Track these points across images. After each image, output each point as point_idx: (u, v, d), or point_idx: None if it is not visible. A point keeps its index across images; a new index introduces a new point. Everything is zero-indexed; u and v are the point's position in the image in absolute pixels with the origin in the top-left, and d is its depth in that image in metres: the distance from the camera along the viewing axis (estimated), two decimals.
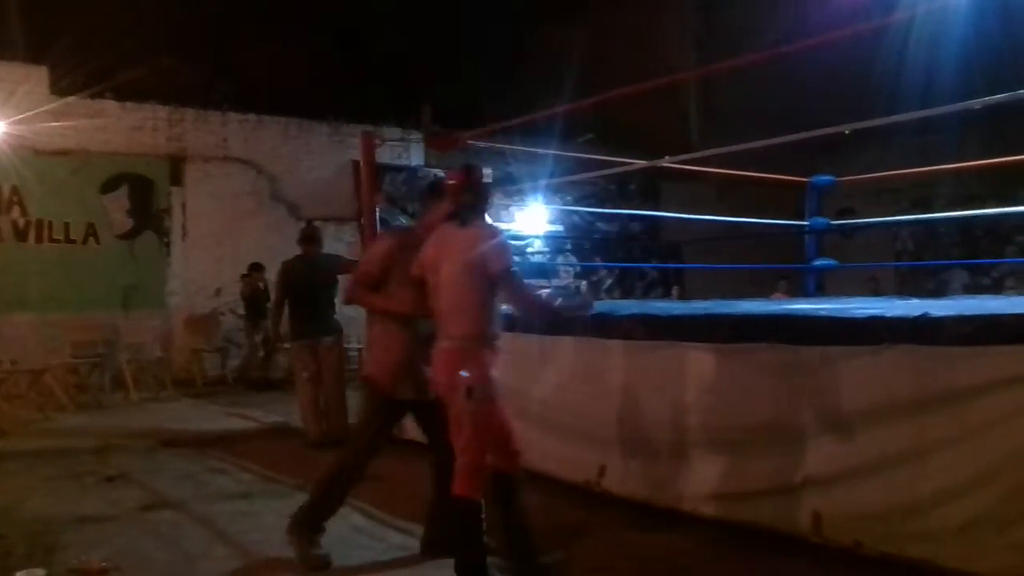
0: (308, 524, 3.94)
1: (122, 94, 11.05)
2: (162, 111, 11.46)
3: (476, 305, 3.44)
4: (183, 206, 11.55)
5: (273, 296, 7.21)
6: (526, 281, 3.62)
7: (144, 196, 11.28)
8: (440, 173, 13.02)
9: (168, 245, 11.45)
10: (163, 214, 11.42)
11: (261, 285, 10.96)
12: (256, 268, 10.94)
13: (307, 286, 6.93)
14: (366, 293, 3.98)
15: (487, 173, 3.65)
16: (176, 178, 11.54)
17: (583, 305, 3.92)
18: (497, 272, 3.42)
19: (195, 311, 11.49)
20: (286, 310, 7.03)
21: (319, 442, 6.75)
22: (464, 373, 3.37)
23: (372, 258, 4.03)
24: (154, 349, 10.66)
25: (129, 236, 11.16)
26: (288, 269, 7.08)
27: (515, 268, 3.49)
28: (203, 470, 6.02)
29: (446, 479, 3.53)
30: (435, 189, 3.99)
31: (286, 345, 11.12)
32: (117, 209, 11.07)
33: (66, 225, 10.65)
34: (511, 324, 5.74)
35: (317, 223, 12.02)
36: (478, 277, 3.43)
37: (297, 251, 7.20)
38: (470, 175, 3.64)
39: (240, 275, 11.15)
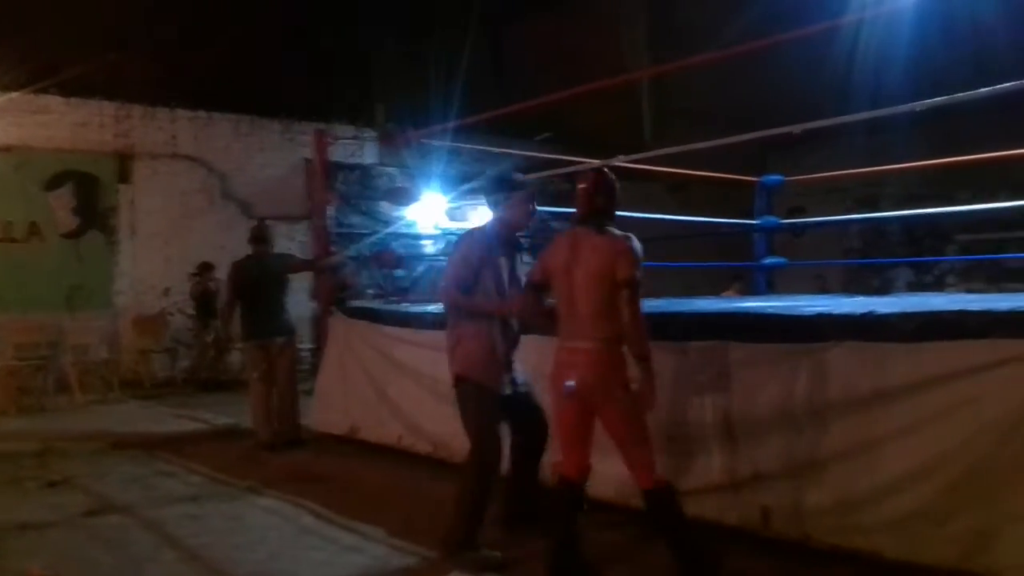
0: (465, 544, 3.87)
1: (67, 90, 10.80)
2: (109, 107, 11.22)
3: (616, 309, 3.48)
4: (131, 204, 11.33)
5: (224, 296, 7.09)
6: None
7: (90, 194, 11.04)
8: (391, 171, 13.00)
9: (115, 244, 11.22)
10: (110, 212, 11.18)
11: (212, 285, 10.80)
12: (206, 268, 10.79)
13: (258, 286, 6.84)
14: (461, 295, 4.01)
15: (615, 179, 3.74)
16: (124, 176, 11.31)
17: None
18: (622, 279, 3.47)
19: (143, 311, 11.27)
20: (237, 310, 6.93)
21: (270, 443, 6.68)
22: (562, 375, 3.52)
23: (466, 260, 4.03)
24: (100, 350, 10.42)
25: (74, 235, 10.91)
26: (239, 269, 6.99)
27: (638, 280, 3.51)
28: (151, 473, 5.92)
29: (526, 464, 4.11)
30: (511, 184, 4.06)
31: (239, 345, 11.05)
32: (62, 207, 10.82)
33: (8, 223, 10.38)
34: None
35: (269, 222, 11.94)
36: (613, 282, 3.50)
37: (248, 250, 7.10)
38: (602, 179, 3.71)
39: (190, 274, 10.97)
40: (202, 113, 11.96)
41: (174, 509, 4.92)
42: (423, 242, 13.23)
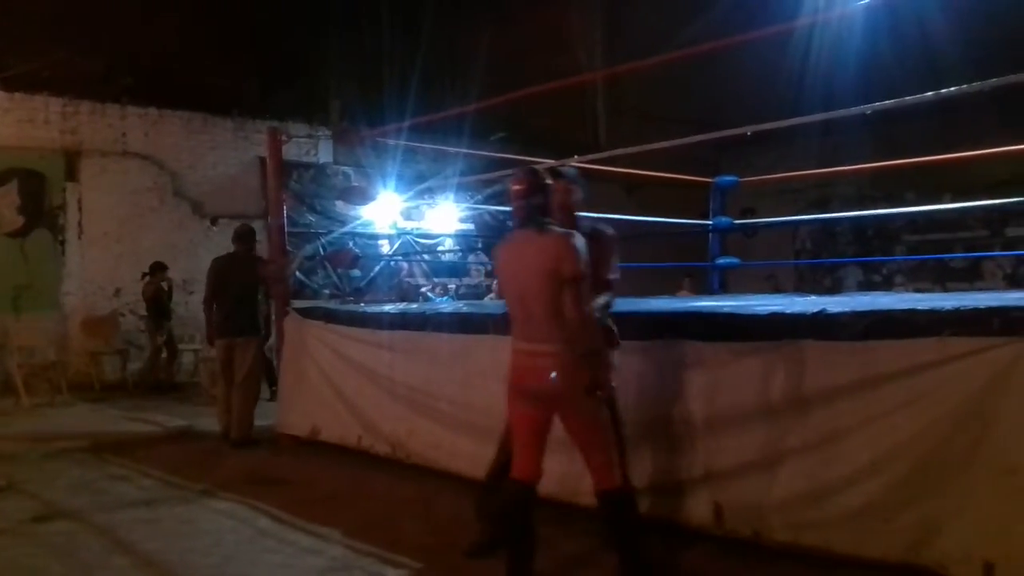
0: None
1: (11, 85, 10.53)
2: (55, 103, 10.95)
3: (567, 311, 3.37)
4: (79, 202, 11.08)
5: (205, 292, 7.26)
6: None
7: (36, 192, 10.77)
8: (346, 169, 12.92)
9: (63, 243, 10.95)
10: (57, 211, 10.92)
11: (164, 285, 10.64)
12: (159, 267, 10.63)
13: (228, 285, 6.97)
14: None
15: (545, 175, 3.64)
16: (71, 173, 11.05)
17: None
18: (567, 276, 3.37)
19: (93, 312, 11.03)
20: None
21: (224, 436, 6.86)
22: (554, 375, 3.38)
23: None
24: (48, 352, 10.18)
25: (20, 234, 10.64)
26: (214, 266, 7.16)
27: (583, 277, 3.39)
28: (101, 477, 5.80)
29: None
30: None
31: (188, 346, 10.89)
32: (6, 205, 10.54)
33: None
34: (422, 323, 5.74)
35: (222, 220, 11.82)
36: (558, 283, 3.38)
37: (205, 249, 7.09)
38: (533, 179, 3.59)
39: (142, 274, 10.78)
40: (153, 110, 11.74)
41: (126, 514, 4.83)
42: (379, 242, 13.21)
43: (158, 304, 10.58)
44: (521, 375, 3.51)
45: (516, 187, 3.59)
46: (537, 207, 3.54)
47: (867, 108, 5.24)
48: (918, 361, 3.37)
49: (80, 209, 11.05)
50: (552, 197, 3.62)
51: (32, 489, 5.46)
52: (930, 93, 4.82)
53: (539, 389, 3.44)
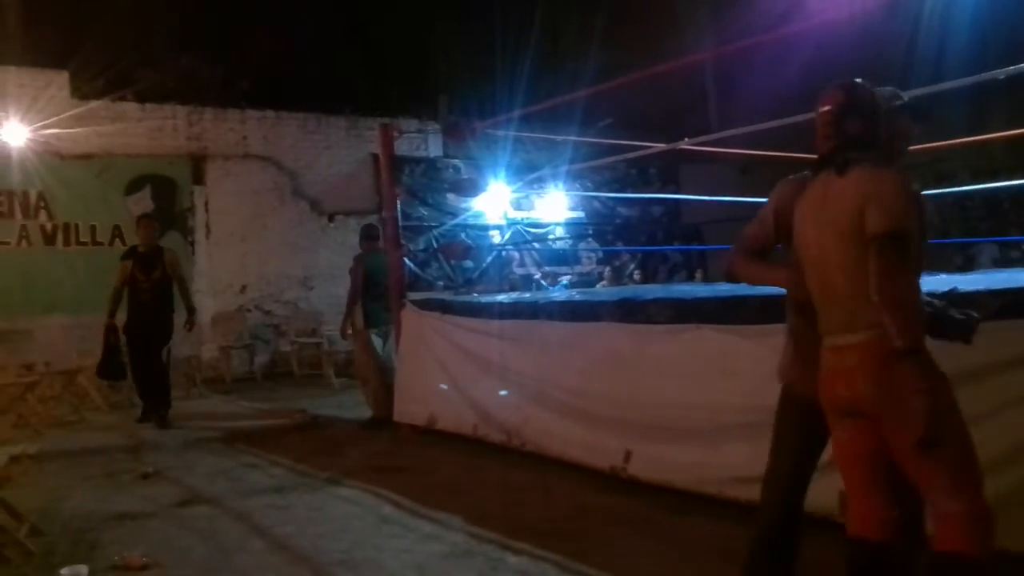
0: None
1: (142, 96, 11.16)
2: (182, 111, 11.55)
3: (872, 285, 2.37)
4: (206, 205, 11.65)
5: (351, 285, 7.75)
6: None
7: (167, 196, 11.38)
8: (456, 162, 13.10)
9: (193, 244, 11.55)
10: (187, 213, 11.52)
11: None
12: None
13: (376, 278, 7.45)
14: (746, 260, 2.88)
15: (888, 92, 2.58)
16: (198, 177, 11.63)
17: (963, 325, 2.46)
18: (872, 232, 2.34)
19: (222, 309, 11.60)
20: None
21: (380, 420, 7.28)
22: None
23: (765, 213, 2.90)
24: (183, 347, 10.77)
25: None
26: (368, 263, 7.59)
27: (903, 234, 2.33)
28: (236, 466, 6.11)
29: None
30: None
31: (310, 340, 11.29)
32: (142, 210, 11.17)
33: (92, 228, 10.78)
34: (533, 312, 5.79)
35: (339, 216, 12.20)
36: (864, 241, 2.39)
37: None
38: (853, 91, 2.56)
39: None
40: (270, 113, 12.21)
41: (259, 500, 5.08)
42: (490, 232, 13.35)
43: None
44: (828, 383, 2.55)
45: (823, 108, 2.62)
46: (853, 137, 2.51)
47: (1000, 73, 4.96)
48: None
49: (207, 211, 11.62)
50: (881, 122, 2.55)
51: (175, 476, 5.82)
52: None
53: (850, 399, 2.47)
